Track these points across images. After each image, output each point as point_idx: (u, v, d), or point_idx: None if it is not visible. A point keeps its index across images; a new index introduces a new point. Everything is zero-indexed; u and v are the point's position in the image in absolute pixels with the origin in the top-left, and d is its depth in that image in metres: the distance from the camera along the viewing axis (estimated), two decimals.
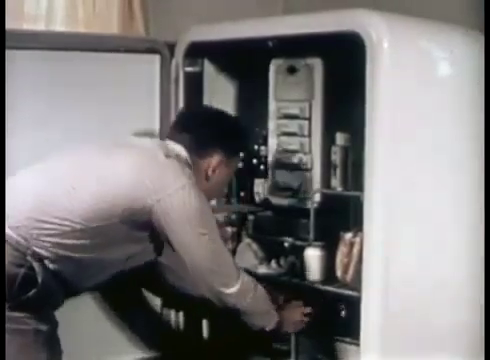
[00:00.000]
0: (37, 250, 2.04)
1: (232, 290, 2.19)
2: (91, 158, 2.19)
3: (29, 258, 2.04)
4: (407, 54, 2.23)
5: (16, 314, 2.03)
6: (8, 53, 2.27)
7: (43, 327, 2.09)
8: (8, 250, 2.02)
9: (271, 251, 2.68)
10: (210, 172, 2.28)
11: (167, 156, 2.16)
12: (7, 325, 2.01)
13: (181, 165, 2.17)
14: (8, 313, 2.01)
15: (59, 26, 3.11)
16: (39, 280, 2.04)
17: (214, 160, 2.28)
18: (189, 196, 2.10)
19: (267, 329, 2.33)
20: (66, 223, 2.06)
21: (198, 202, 2.12)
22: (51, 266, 2.06)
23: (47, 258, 2.05)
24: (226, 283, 2.19)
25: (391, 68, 2.16)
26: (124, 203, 2.08)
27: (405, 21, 2.33)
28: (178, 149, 2.24)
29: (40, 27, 3.07)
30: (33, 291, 2.04)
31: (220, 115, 2.38)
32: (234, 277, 2.21)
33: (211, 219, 2.21)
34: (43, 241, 2.05)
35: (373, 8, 2.22)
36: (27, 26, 3.04)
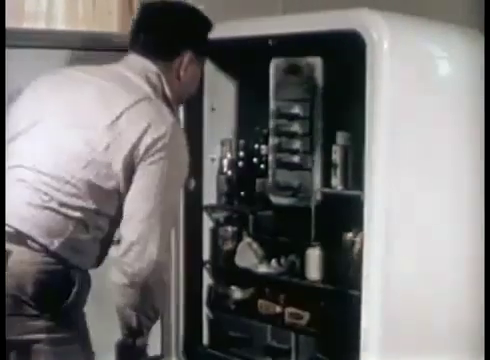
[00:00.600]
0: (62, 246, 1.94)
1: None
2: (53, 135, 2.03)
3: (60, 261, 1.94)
4: (407, 53, 2.23)
5: (48, 323, 1.93)
6: (8, 52, 2.27)
7: (73, 333, 1.99)
8: (38, 257, 1.92)
9: (271, 250, 2.68)
10: (182, 71, 2.18)
11: (137, 101, 2.01)
12: (38, 336, 1.92)
13: (153, 107, 2.04)
14: (41, 323, 1.92)
15: (59, 25, 3.12)
16: (76, 283, 1.95)
17: (185, 58, 2.18)
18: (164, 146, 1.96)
19: (137, 343, 2.11)
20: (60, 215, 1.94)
21: (168, 161, 1.97)
22: (75, 260, 1.97)
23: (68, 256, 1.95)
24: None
25: (391, 67, 2.16)
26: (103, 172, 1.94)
27: (405, 20, 2.33)
28: (142, 64, 2.13)
29: (40, 25, 3.07)
30: (72, 297, 1.94)
31: (183, 9, 2.22)
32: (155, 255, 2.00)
33: (177, 188, 2.08)
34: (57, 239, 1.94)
35: (373, 7, 2.22)
36: (27, 24, 3.05)
